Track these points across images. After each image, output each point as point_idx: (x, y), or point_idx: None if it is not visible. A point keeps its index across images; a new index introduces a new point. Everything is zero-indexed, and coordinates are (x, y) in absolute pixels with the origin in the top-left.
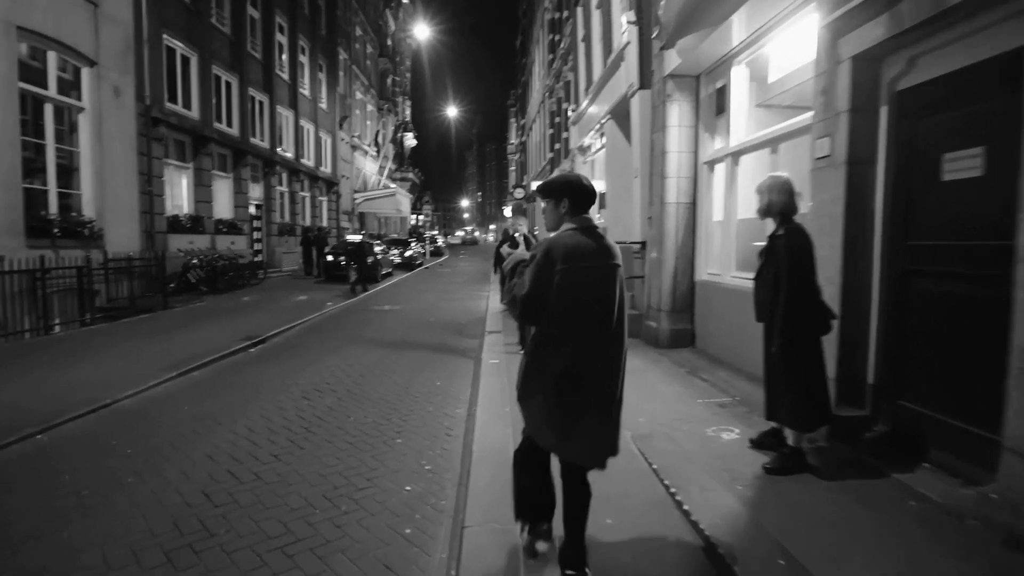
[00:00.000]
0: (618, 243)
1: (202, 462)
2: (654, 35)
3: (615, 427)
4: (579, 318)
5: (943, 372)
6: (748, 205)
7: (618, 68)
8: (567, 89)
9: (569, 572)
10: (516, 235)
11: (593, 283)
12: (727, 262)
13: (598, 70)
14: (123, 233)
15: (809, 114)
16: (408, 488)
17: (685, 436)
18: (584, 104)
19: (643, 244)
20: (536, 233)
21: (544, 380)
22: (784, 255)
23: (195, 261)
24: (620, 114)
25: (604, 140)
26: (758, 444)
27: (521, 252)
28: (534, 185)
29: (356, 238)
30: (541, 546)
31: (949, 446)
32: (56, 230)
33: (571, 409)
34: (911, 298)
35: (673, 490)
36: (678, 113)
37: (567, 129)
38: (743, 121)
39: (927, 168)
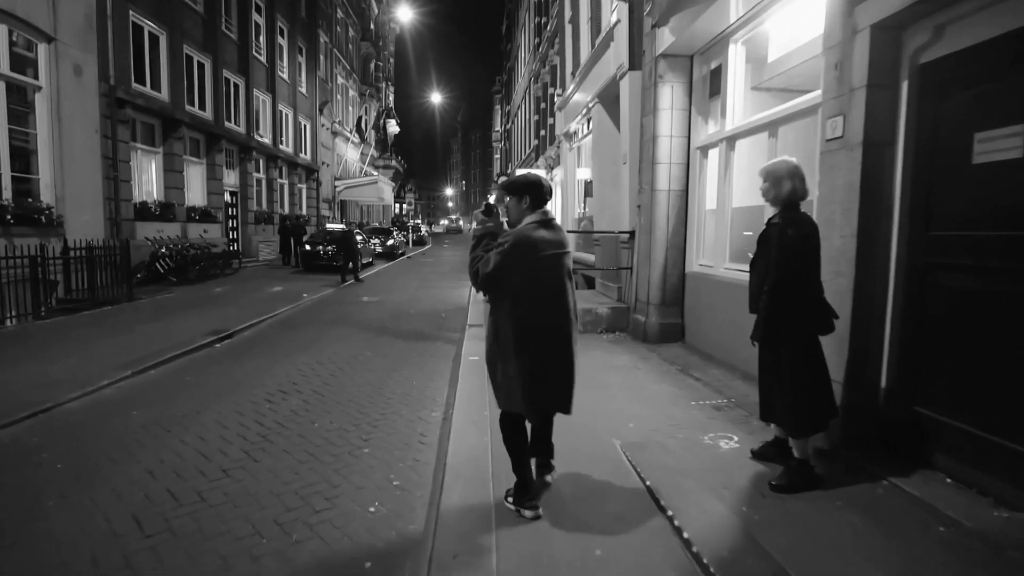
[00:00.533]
0: (606, 233)
1: (140, 479)
2: (646, 12)
3: (569, 380)
4: (537, 293)
5: (971, 377)
6: (743, 193)
7: (607, 49)
8: (553, 74)
9: (544, 465)
10: (491, 201)
11: (549, 267)
12: (720, 253)
13: (585, 52)
14: (85, 220)
15: (814, 94)
16: (372, 509)
17: (680, 445)
18: (571, 89)
19: (631, 234)
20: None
21: (513, 344)
22: (776, 243)
23: (164, 250)
24: (608, 98)
25: (591, 126)
26: (760, 455)
27: (489, 226)
28: (518, 172)
29: (337, 227)
30: (550, 478)
31: (976, 461)
32: (8, 216)
33: (536, 364)
34: (933, 293)
35: (671, 513)
36: (670, 95)
37: (553, 115)
38: (739, 104)
39: (954, 150)
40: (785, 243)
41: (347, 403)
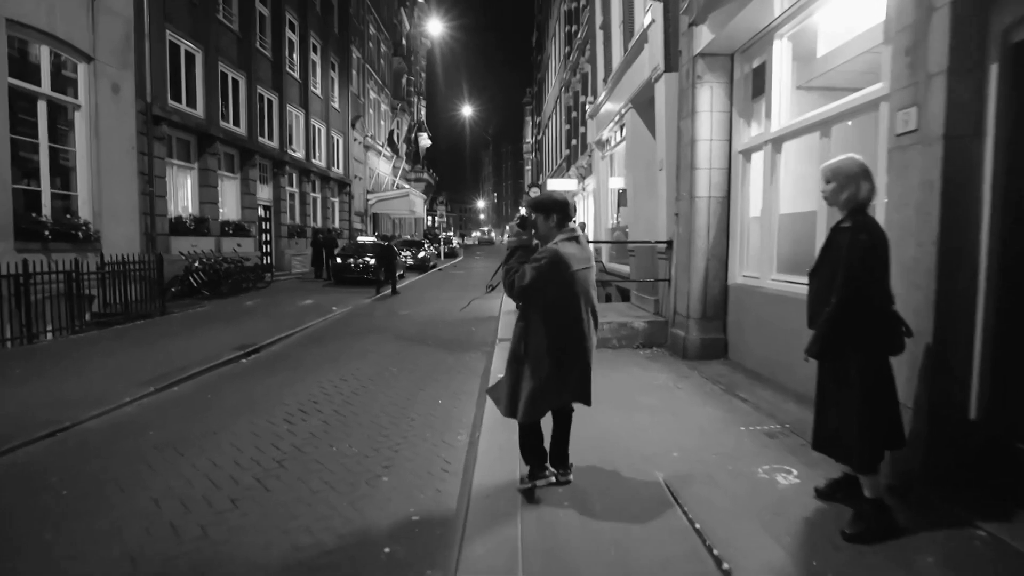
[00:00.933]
0: (642, 243)
1: (145, 509)
2: (682, 10)
3: (589, 377)
4: (567, 304)
5: None
6: (791, 198)
7: (640, 52)
8: (584, 82)
9: (560, 470)
10: (523, 214)
11: (578, 281)
12: (767, 263)
13: (618, 57)
14: (122, 235)
15: (876, 86)
16: (387, 550)
17: (731, 479)
18: (602, 96)
19: (669, 244)
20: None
21: (546, 350)
22: (847, 250)
23: (197, 264)
24: (642, 103)
25: (624, 133)
26: (826, 495)
27: (524, 239)
28: (550, 183)
29: (369, 239)
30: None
31: None
32: (46, 232)
33: (564, 367)
34: None
35: (727, 567)
36: (709, 97)
37: (584, 124)
38: (786, 103)
39: None
40: (858, 250)
41: (369, 424)
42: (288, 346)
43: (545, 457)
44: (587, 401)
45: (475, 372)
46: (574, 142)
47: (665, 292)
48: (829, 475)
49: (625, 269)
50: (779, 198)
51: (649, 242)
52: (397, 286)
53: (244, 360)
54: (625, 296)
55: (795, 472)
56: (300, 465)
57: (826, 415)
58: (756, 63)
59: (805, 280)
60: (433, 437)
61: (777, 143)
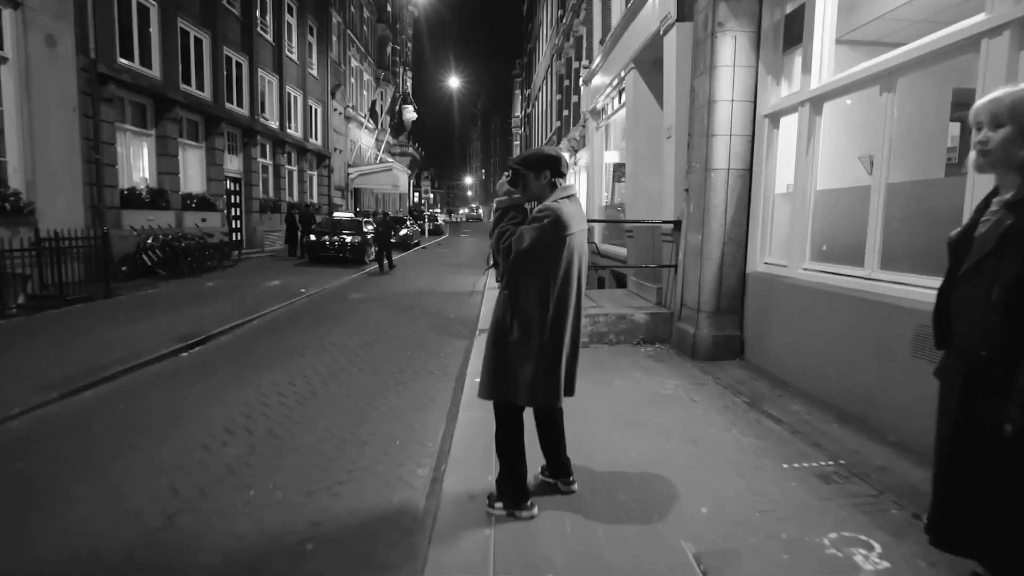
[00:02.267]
0: (642, 223)
1: None
2: None
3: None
4: (570, 276)
5: None
6: (835, 171)
7: (644, 2)
8: (578, 46)
9: (562, 479)
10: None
11: (581, 244)
12: (797, 249)
13: (618, 13)
14: (62, 207)
15: (977, 19)
16: None
17: (789, 555)
18: (598, 60)
19: (676, 224)
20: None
21: (550, 330)
22: None
23: (151, 241)
24: (646, 63)
25: (623, 99)
26: None
27: (516, 197)
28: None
29: (346, 215)
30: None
31: None
32: None
33: (556, 350)
34: None
35: None
36: (732, 48)
37: (577, 93)
38: (828, 54)
39: None
40: None
41: (307, 451)
42: (240, 336)
43: (524, 476)
44: (572, 391)
45: (448, 374)
46: (566, 113)
47: (670, 280)
48: (924, 554)
49: (621, 251)
50: (816, 171)
51: (652, 222)
52: (359, 268)
53: (185, 354)
54: (620, 282)
55: (876, 547)
56: (189, 532)
57: (975, 504)
58: (791, 6)
59: (854, 272)
60: (386, 471)
61: (817, 103)
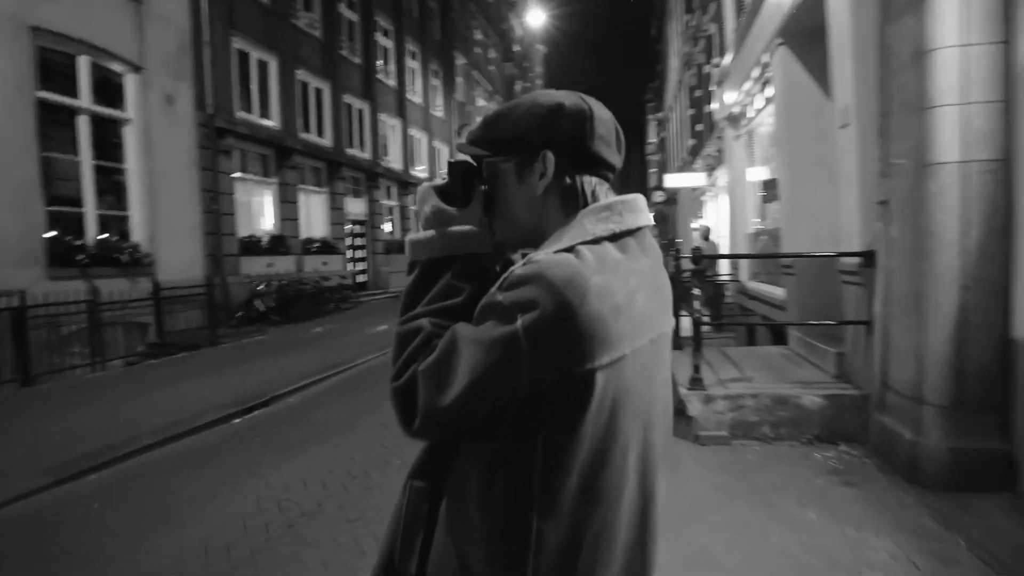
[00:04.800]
0: (808, 255)
1: None
2: None
3: None
4: (609, 481)
5: None
6: None
7: None
8: (708, 47)
9: None
10: (461, 161)
11: (648, 380)
12: None
13: None
14: (182, 257)
15: None
16: None
17: None
18: (732, 53)
19: (866, 256)
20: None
21: None
22: None
23: (262, 287)
24: (799, 33)
25: (771, 90)
26: None
27: (453, 230)
28: (669, 181)
29: None
30: None
31: None
32: (81, 257)
33: None
34: None
35: None
36: None
37: (709, 101)
38: None
39: None
40: None
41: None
42: (311, 397)
43: None
44: None
45: None
46: (699, 127)
47: (861, 341)
48: None
49: (776, 292)
50: None
51: (823, 254)
52: None
53: (237, 420)
54: (778, 336)
55: None
56: None
57: None
58: None
59: None
60: None
61: None
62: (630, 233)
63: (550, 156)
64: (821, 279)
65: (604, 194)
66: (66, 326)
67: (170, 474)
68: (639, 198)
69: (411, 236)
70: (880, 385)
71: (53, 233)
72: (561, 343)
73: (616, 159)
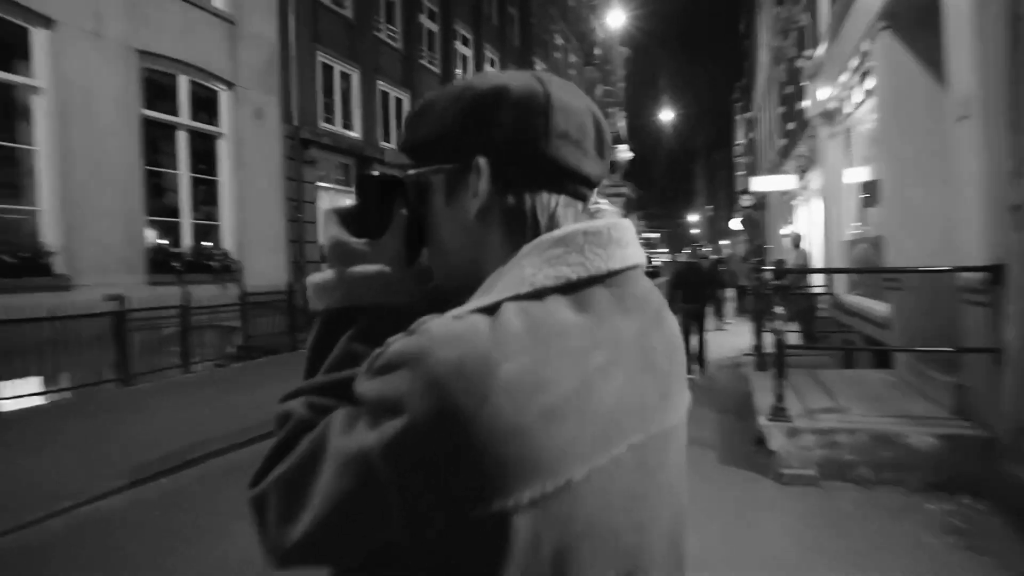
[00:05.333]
0: (919, 270)
1: None
2: None
3: None
4: None
5: None
6: None
7: None
8: (800, 39)
9: None
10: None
11: (628, 508)
12: None
13: None
14: (267, 264)
15: None
16: None
17: None
18: (825, 43)
19: (993, 271)
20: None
21: None
22: None
23: None
24: (907, 15)
25: (869, 84)
26: None
27: (356, 271)
28: (755, 184)
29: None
30: None
31: None
32: (177, 263)
33: None
34: None
35: None
36: None
37: (801, 98)
38: None
39: None
40: None
41: None
42: None
43: None
44: None
45: None
46: (790, 126)
47: (986, 373)
48: None
49: (878, 308)
50: None
51: (937, 268)
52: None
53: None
54: (881, 360)
55: None
56: None
57: None
58: None
59: None
60: None
61: None
62: (600, 280)
63: (482, 164)
64: (933, 296)
65: (571, 218)
66: (162, 329)
67: (210, 483)
68: (622, 224)
69: (311, 278)
70: (1014, 427)
71: (156, 241)
72: (442, 473)
73: (592, 166)
